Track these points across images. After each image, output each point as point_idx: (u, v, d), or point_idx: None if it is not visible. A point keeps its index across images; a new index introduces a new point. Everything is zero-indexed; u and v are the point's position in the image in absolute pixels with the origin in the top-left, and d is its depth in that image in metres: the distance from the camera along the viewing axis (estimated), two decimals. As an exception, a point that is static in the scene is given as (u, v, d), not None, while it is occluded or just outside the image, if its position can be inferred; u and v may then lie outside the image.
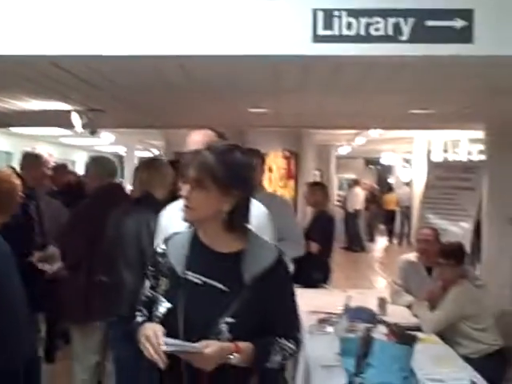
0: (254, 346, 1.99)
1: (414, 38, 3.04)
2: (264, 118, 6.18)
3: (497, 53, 3.06)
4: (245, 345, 1.97)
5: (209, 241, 2.08)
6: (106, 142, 12.38)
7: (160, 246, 2.16)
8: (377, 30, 3.07)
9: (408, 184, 16.64)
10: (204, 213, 2.03)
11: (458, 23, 3.06)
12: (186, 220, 2.05)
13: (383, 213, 18.18)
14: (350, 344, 2.82)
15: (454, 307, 4.22)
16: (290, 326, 2.13)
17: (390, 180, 21.00)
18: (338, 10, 3.07)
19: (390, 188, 19.72)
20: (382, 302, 4.69)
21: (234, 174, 2.04)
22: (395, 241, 17.13)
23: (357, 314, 4.32)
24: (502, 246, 6.24)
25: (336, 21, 3.07)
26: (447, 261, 4.38)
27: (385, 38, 3.06)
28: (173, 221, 2.59)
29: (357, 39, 3.06)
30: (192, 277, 2.04)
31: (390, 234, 17.89)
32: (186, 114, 5.94)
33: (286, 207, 4.12)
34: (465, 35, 3.05)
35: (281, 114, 5.87)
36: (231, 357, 1.94)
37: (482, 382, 2.90)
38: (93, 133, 9.43)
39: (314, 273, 6.00)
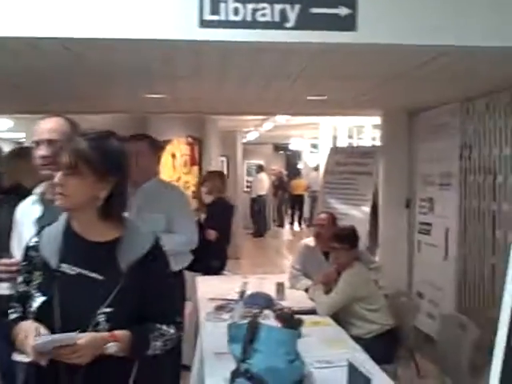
0: (132, 334, 1.97)
1: (299, 25, 3.06)
2: (163, 104, 6.10)
3: (379, 41, 3.12)
4: (121, 333, 1.94)
5: (83, 230, 2.05)
6: (4, 128, 11.86)
7: (32, 239, 2.09)
8: (263, 15, 3.06)
9: (316, 169, 16.94)
10: (79, 200, 1.99)
11: (343, 11, 3.10)
12: (60, 207, 2.00)
13: (291, 198, 18.44)
14: (237, 330, 2.83)
15: (346, 289, 4.32)
16: (168, 310, 2.12)
17: (299, 165, 21.30)
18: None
19: (298, 173, 19.99)
20: (280, 287, 4.75)
21: (108, 160, 2.03)
22: (304, 225, 17.43)
23: (254, 299, 4.37)
24: (399, 228, 6.45)
25: (223, 6, 3.04)
26: (341, 245, 4.48)
27: (271, 24, 3.06)
28: (25, 215, 2.55)
29: (243, 25, 3.04)
30: (66, 268, 1.99)
31: (299, 219, 18.19)
32: (80, 99, 5.76)
33: (179, 197, 4.02)
34: (348, 23, 3.09)
35: (179, 100, 5.79)
36: (107, 346, 1.90)
37: (365, 362, 2.97)
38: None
39: (213, 260, 6.03)
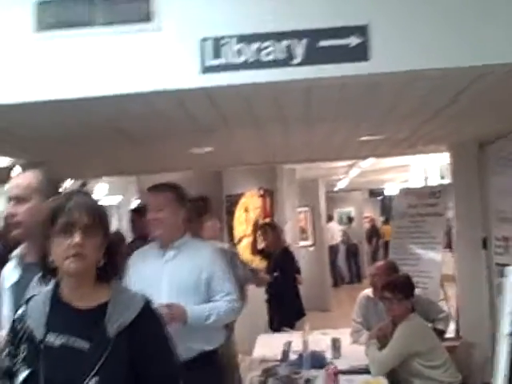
0: None
1: (307, 61, 2.86)
2: (215, 158, 6.01)
3: (395, 69, 2.86)
4: None
5: (71, 297, 1.95)
6: (101, 193, 12.05)
7: (18, 311, 2.01)
8: (268, 54, 2.89)
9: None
10: (92, 261, 1.92)
11: (353, 41, 2.87)
12: (79, 269, 1.89)
13: (386, 244, 17.83)
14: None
15: (400, 344, 3.95)
16: (171, 369, 2.02)
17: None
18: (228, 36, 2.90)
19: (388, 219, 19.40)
20: (335, 344, 4.45)
21: (107, 219, 2.00)
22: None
23: (302, 359, 4.09)
24: (476, 271, 5.93)
25: (225, 49, 2.90)
26: (393, 295, 4.13)
27: (277, 63, 2.88)
28: (6, 280, 2.51)
29: (247, 66, 2.88)
30: (52, 339, 1.89)
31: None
32: (145, 159, 5.81)
33: (217, 258, 3.50)
34: (360, 53, 2.86)
35: (224, 152, 5.66)
36: None
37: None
38: (83, 185, 9.33)
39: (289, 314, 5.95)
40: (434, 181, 12.05)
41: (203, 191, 9.03)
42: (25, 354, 1.90)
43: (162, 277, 3.21)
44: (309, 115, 4.06)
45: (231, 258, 4.68)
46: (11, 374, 1.91)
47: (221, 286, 3.32)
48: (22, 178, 2.53)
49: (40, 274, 2.01)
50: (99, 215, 1.95)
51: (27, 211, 2.44)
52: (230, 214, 8.89)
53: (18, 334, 1.95)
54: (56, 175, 6.78)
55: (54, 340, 1.88)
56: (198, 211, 4.50)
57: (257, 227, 7.13)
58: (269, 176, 8.93)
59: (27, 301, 2.02)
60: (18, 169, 5.51)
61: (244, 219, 8.83)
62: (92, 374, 1.81)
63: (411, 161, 12.03)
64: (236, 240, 8.80)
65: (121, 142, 4.78)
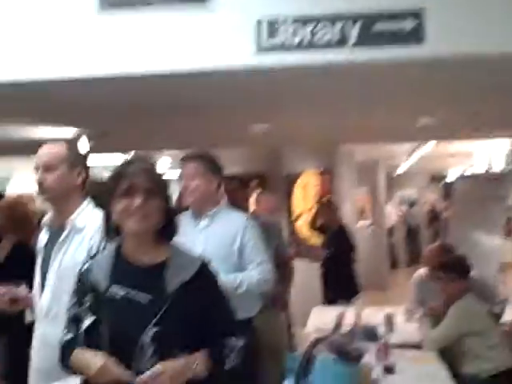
0: (207, 353, 2.03)
1: (361, 42, 2.92)
2: (282, 136, 6.09)
3: (449, 51, 2.89)
4: (199, 354, 2.02)
5: (133, 254, 2.10)
6: (165, 167, 12.14)
7: (85, 264, 2.17)
8: (322, 36, 2.96)
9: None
10: (152, 222, 2.05)
11: (408, 23, 2.92)
12: (140, 229, 2.04)
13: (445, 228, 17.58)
14: (293, 362, 2.70)
15: (453, 323, 3.98)
16: (230, 324, 2.16)
17: (456, 195, 20.26)
18: (283, 17, 2.98)
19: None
20: (388, 319, 4.51)
21: (166, 186, 2.14)
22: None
23: (353, 332, 4.16)
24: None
25: (281, 29, 2.99)
26: (447, 275, 4.15)
27: (331, 44, 2.95)
28: (39, 244, 2.82)
29: (302, 47, 2.97)
30: (115, 291, 2.05)
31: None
32: (205, 133, 5.95)
33: (250, 227, 3.41)
34: (415, 35, 2.90)
35: (282, 130, 5.73)
36: (195, 367, 1.99)
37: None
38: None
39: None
40: (498, 167, 11.82)
41: (262, 169, 9.23)
42: (90, 303, 2.07)
43: (196, 246, 3.02)
44: (365, 96, 4.10)
45: (276, 233, 4.75)
46: (78, 321, 2.09)
47: (253, 256, 3.29)
48: (51, 148, 2.70)
49: (103, 232, 2.16)
50: (159, 180, 2.09)
51: (55, 179, 2.63)
52: (289, 191, 8.99)
53: (84, 285, 2.12)
54: (120, 147, 7.07)
55: (117, 292, 2.04)
56: (244, 185, 4.59)
57: (317, 204, 7.17)
58: (328, 156, 8.97)
59: (93, 256, 2.21)
60: (83, 139, 5.81)
61: (302, 197, 8.92)
62: (151, 325, 1.96)
63: (475, 147, 11.80)
64: (294, 217, 8.91)
65: (183, 116, 4.92)
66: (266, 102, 4.26)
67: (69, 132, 5.59)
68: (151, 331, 1.97)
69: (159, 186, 2.09)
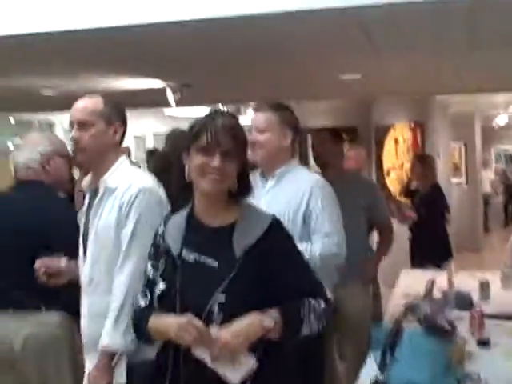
0: (281, 309, 1.87)
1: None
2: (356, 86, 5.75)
3: None
4: (271, 310, 1.86)
5: (205, 215, 2.00)
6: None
7: (159, 227, 2.09)
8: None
9: None
10: (227, 184, 1.95)
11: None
12: (214, 190, 1.94)
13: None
14: (380, 334, 2.50)
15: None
16: (309, 285, 1.99)
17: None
18: None
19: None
20: (483, 286, 4.21)
21: (242, 142, 2.00)
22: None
23: (447, 299, 3.91)
24: None
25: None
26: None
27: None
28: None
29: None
30: (186, 255, 1.96)
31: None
32: (279, 85, 5.70)
33: (321, 191, 2.95)
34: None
35: (373, 80, 5.38)
36: (264, 322, 1.83)
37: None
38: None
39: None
40: None
41: (352, 121, 8.89)
42: (163, 268, 1.99)
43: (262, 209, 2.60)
44: (468, 41, 3.73)
45: (370, 191, 4.35)
46: (153, 286, 2.01)
47: (319, 225, 2.83)
48: (86, 103, 2.47)
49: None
50: (241, 141, 1.96)
51: (92, 137, 2.43)
52: (379, 145, 8.63)
53: (158, 248, 2.04)
54: (205, 99, 6.95)
55: (189, 256, 1.95)
56: (334, 139, 4.17)
57: (413, 158, 6.73)
58: (420, 108, 8.52)
59: (166, 220, 2.09)
60: (168, 92, 5.70)
61: (394, 151, 8.55)
62: (219, 290, 1.85)
63: None
64: (385, 172, 8.58)
65: (270, 66, 4.69)
66: (359, 49, 3.95)
67: (155, 84, 5.50)
68: (219, 299, 1.85)
69: (240, 146, 1.95)
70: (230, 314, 1.83)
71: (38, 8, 3.13)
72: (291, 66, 4.66)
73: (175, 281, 1.93)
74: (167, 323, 1.89)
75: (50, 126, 11.33)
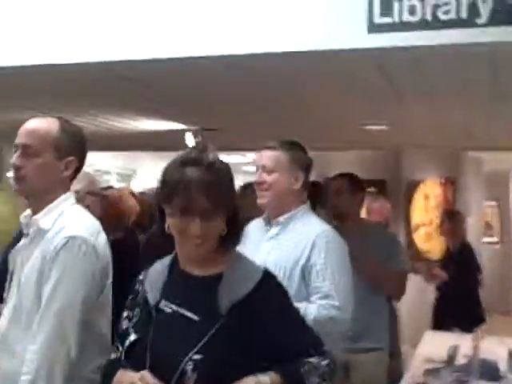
0: (281, 374, 1.66)
1: (493, 21, 2.41)
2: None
3: None
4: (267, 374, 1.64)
5: (189, 263, 1.79)
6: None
7: (140, 275, 1.90)
8: (446, 13, 2.48)
9: None
10: (212, 244, 1.75)
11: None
12: (196, 255, 1.75)
13: None
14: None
15: None
16: (306, 342, 1.76)
17: None
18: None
19: None
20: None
21: (230, 189, 1.80)
22: None
23: (470, 367, 3.61)
24: None
25: (396, 5, 2.53)
26: None
27: (456, 23, 2.46)
28: None
29: (421, 26, 2.50)
30: (165, 306, 1.75)
31: None
32: (299, 134, 5.54)
33: (325, 243, 2.60)
34: None
35: (398, 130, 5.21)
36: None
37: None
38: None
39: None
40: None
41: (381, 174, 8.68)
42: (137, 318, 1.80)
43: (260, 258, 2.38)
44: (495, 89, 3.54)
45: (391, 244, 3.90)
46: (124, 337, 1.80)
47: (319, 284, 2.44)
48: (38, 125, 2.04)
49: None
50: (221, 192, 1.70)
51: (35, 169, 2.00)
52: (408, 199, 8.37)
53: (135, 296, 1.85)
54: (227, 144, 6.86)
55: (167, 307, 1.75)
56: (352, 188, 3.79)
57: (443, 214, 6.41)
58: (451, 164, 8.26)
59: (148, 266, 1.91)
60: (189, 136, 5.59)
61: (423, 207, 8.27)
62: (196, 350, 1.63)
63: None
64: (413, 227, 8.28)
65: (292, 114, 4.57)
66: (382, 96, 3.79)
67: (175, 126, 5.41)
68: (193, 359, 1.61)
69: (223, 198, 1.71)
70: (205, 375, 1.61)
71: (45, 40, 3.05)
72: (314, 114, 4.54)
73: (148, 332, 1.72)
74: (120, 379, 1.70)
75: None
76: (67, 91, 3.93)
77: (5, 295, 2.15)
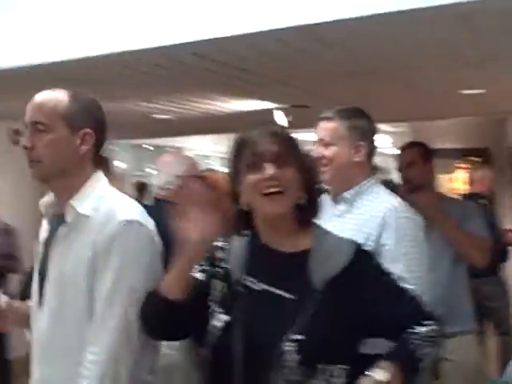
0: (395, 361, 1.56)
1: None
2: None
3: None
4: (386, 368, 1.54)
5: (270, 240, 1.71)
6: (385, 147, 11.44)
7: (219, 241, 1.78)
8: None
9: None
10: (291, 198, 1.64)
11: None
12: (278, 208, 1.64)
13: None
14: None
15: None
16: (410, 311, 1.67)
17: None
18: None
19: None
20: None
21: (299, 149, 1.70)
22: None
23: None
24: None
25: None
26: None
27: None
28: None
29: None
30: (251, 283, 1.67)
31: None
32: (397, 105, 5.39)
33: (395, 221, 2.32)
34: None
35: (497, 94, 4.89)
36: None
37: None
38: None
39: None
40: None
41: (483, 141, 8.29)
42: (221, 295, 1.71)
43: None
44: None
45: (473, 216, 3.29)
46: (204, 294, 1.71)
47: (389, 266, 1.98)
48: (44, 99, 1.83)
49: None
50: (289, 143, 1.67)
51: (47, 146, 1.79)
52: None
53: (212, 261, 1.75)
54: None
55: (254, 284, 1.67)
56: (424, 157, 3.41)
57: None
58: None
59: (227, 238, 1.80)
60: (278, 114, 5.53)
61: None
62: (294, 330, 1.55)
63: None
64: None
65: (388, 84, 4.44)
66: (475, 57, 3.57)
67: (265, 106, 5.39)
68: (294, 339, 1.55)
69: (292, 149, 1.66)
70: (307, 354, 1.54)
71: (139, 25, 3.09)
72: (411, 84, 4.36)
73: (236, 311, 1.64)
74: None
75: (179, 150, 11.76)
76: (156, 77, 3.98)
77: (31, 300, 1.92)
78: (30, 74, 3.61)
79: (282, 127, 1.74)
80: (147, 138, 9.15)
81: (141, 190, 7.72)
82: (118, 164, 10.32)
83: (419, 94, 4.98)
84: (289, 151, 1.64)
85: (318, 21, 2.68)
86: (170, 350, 2.38)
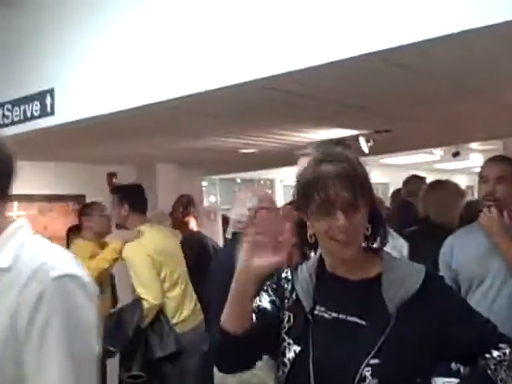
0: (473, 380, 1.63)
1: None
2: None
3: None
4: None
5: (338, 269, 1.76)
6: (475, 165, 11.30)
7: (283, 273, 1.87)
8: None
9: None
10: (360, 239, 1.71)
11: None
12: (345, 256, 1.68)
13: None
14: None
15: None
16: (485, 333, 1.70)
17: None
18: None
19: None
20: None
21: (368, 182, 1.72)
22: None
23: None
24: None
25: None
26: None
27: None
28: None
29: None
30: (322, 312, 1.73)
31: None
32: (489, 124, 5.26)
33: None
34: None
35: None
36: None
37: None
38: (455, 155, 9.04)
39: None
40: None
41: None
42: (290, 324, 1.76)
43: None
44: None
45: None
46: (272, 324, 1.76)
47: None
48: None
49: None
50: (360, 183, 1.66)
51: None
52: None
53: (282, 291, 1.81)
54: (403, 146, 6.59)
55: (324, 313, 1.72)
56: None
57: None
58: None
59: (296, 266, 1.86)
60: (362, 140, 5.54)
61: None
62: (371, 354, 1.59)
63: None
64: None
65: (482, 103, 4.40)
66: None
67: (349, 133, 5.42)
68: (371, 364, 1.58)
69: (363, 189, 1.66)
70: (385, 379, 1.57)
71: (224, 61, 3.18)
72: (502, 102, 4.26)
73: (307, 341, 1.69)
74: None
75: (271, 182, 11.93)
76: (241, 112, 4.12)
77: None
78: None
79: (351, 161, 1.70)
80: (235, 172, 9.34)
81: (226, 224, 7.91)
82: (210, 199, 10.65)
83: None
84: (359, 193, 1.64)
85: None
86: (258, 370, 2.47)
